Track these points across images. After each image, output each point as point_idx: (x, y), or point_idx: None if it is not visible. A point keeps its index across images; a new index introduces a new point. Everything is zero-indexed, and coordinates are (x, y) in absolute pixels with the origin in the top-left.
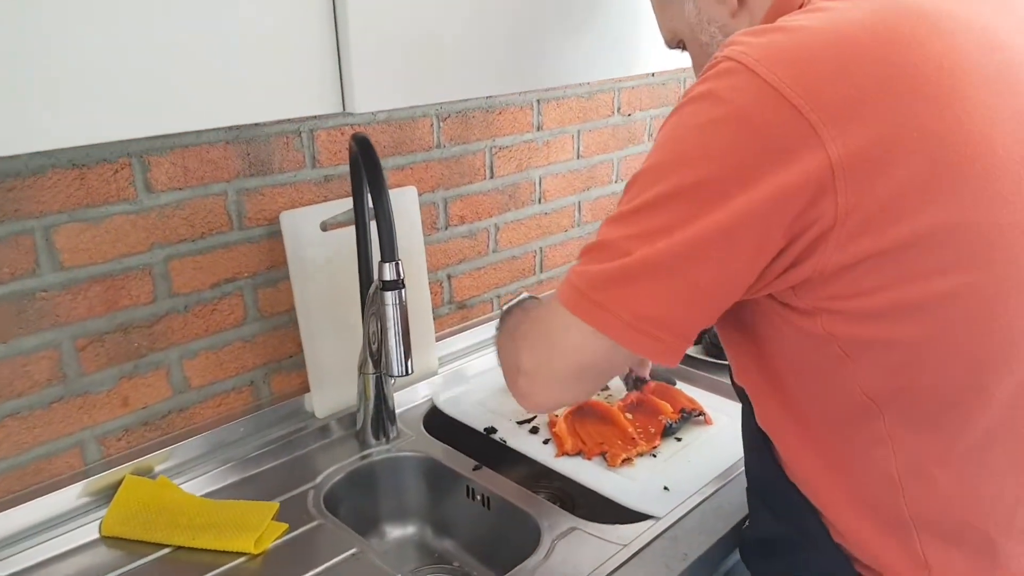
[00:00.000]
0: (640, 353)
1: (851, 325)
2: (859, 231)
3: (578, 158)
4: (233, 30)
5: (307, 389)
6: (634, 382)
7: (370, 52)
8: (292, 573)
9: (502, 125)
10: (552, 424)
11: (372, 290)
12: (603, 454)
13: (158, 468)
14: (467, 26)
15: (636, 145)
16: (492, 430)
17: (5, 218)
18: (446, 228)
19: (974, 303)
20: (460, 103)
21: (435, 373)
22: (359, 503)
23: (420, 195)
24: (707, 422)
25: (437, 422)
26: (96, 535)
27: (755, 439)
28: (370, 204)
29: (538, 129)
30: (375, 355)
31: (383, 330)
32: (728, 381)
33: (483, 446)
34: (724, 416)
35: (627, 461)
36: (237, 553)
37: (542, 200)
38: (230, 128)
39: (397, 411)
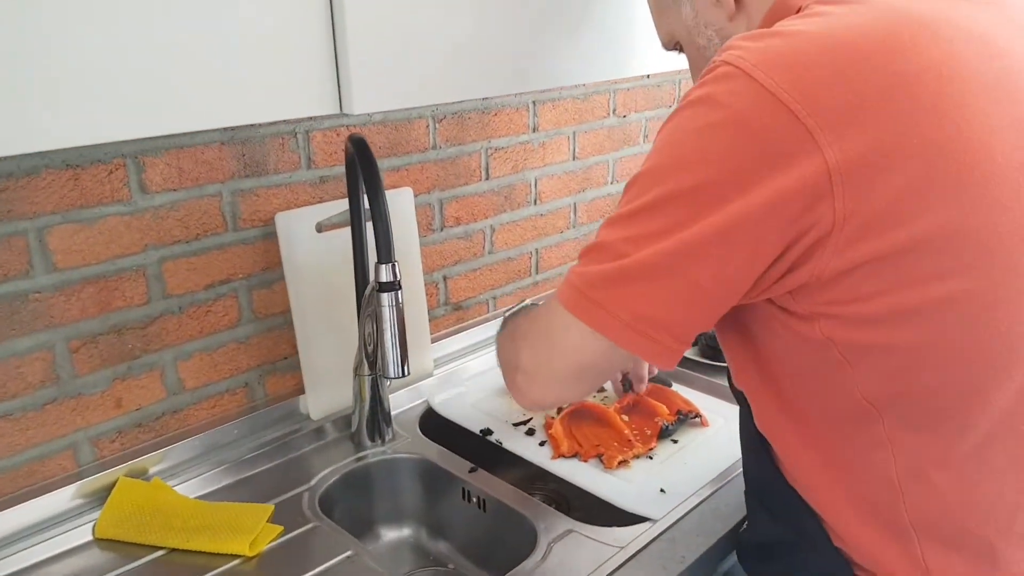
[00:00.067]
0: (637, 354)
1: (849, 330)
2: (857, 236)
3: (574, 159)
4: (231, 31)
5: (302, 391)
6: (629, 384)
7: (368, 53)
8: None
9: (498, 126)
10: (548, 426)
11: (368, 291)
12: (599, 456)
13: (152, 470)
14: (464, 27)
15: (632, 147)
16: (488, 432)
17: None
18: (442, 229)
19: (972, 309)
20: (456, 104)
21: (431, 375)
22: (354, 505)
23: (416, 196)
24: (703, 424)
25: (433, 424)
26: (90, 537)
27: (753, 442)
28: (366, 205)
29: (534, 130)
30: (371, 357)
31: (379, 332)
32: (725, 383)
33: (479, 448)
34: (720, 418)
35: (623, 463)
36: (232, 555)
37: (538, 201)
38: (225, 129)
39: (392, 413)
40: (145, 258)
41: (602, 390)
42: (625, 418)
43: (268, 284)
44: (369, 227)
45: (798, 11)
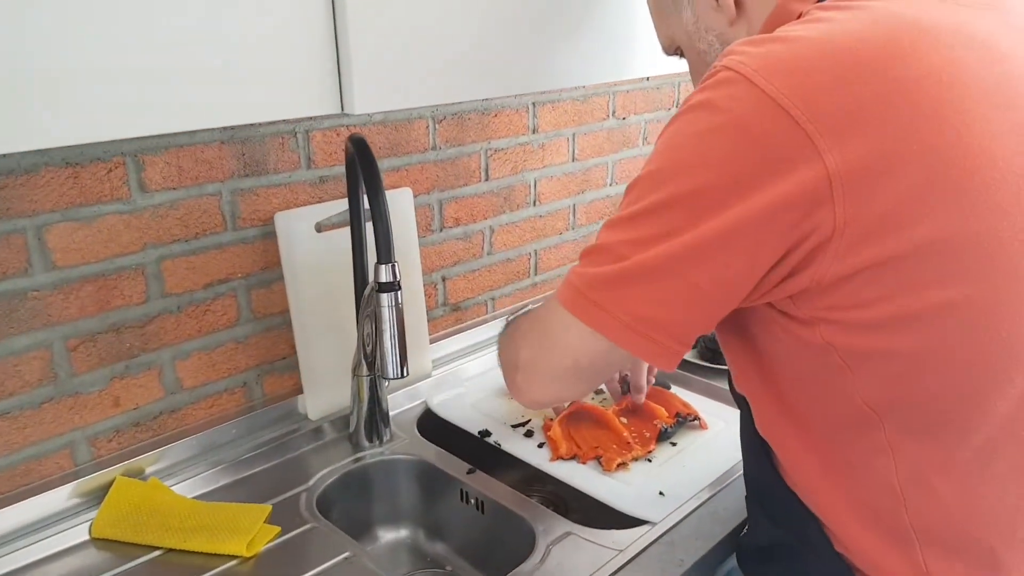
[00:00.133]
0: (637, 355)
1: (850, 335)
2: (857, 242)
3: (573, 161)
4: (232, 29)
5: (300, 391)
6: (627, 387)
7: (369, 53)
8: None
9: (497, 127)
10: (547, 428)
11: (367, 292)
12: (598, 458)
13: (149, 469)
14: (466, 28)
15: (631, 149)
16: (486, 433)
17: None
18: (441, 230)
19: (973, 314)
20: (456, 105)
21: (429, 375)
22: (352, 506)
23: (415, 197)
24: (702, 426)
25: (431, 425)
26: (86, 536)
27: (754, 445)
28: (366, 205)
29: (533, 132)
30: (369, 357)
31: (379, 332)
32: (724, 386)
33: (477, 449)
34: (720, 421)
35: (622, 466)
36: (229, 556)
37: (537, 203)
38: (225, 128)
39: (391, 413)
40: (144, 257)
41: (600, 392)
42: (624, 420)
43: (267, 284)
44: (369, 227)
45: (799, 17)
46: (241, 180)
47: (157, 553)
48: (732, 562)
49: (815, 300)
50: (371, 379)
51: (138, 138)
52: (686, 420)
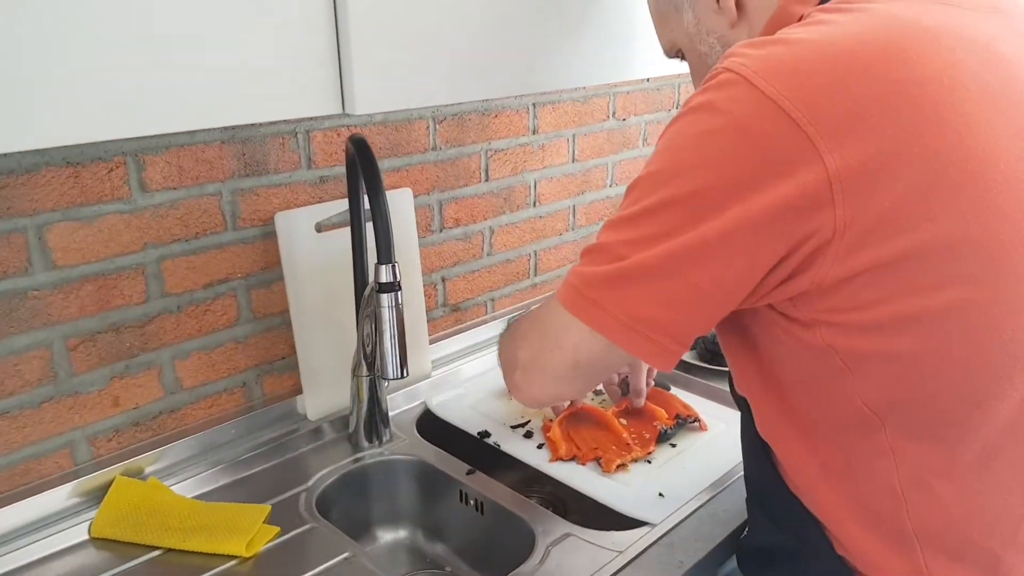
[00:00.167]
0: (635, 354)
1: (850, 337)
2: (858, 244)
3: (573, 162)
4: (233, 30)
5: (299, 391)
6: (626, 388)
7: (371, 53)
8: None
9: (498, 128)
10: (546, 429)
11: (367, 292)
12: (597, 460)
13: (149, 469)
14: (466, 29)
15: (631, 150)
16: (486, 434)
17: None
18: (441, 230)
19: (974, 317)
20: (456, 106)
21: (428, 376)
22: (351, 506)
23: (415, 197)
24: (702, 428)
25: (430, 425)
26: (86, 536)
27: (755, 447)
28: (366, 206)
29: (533, 133)
30: (369, 358)
31: (379, 333)
32: (724, 387)
33: (477, 450)
34: (720, 423)
35: (622, 467)
36: (228, 556)
37: (537, 203)
38: (225, 128)
39: (390, 414)
40: (144, 256)
41: (600, 393)
42: (623, 422)
43: (267, 284)
44: (369, 227)
45: (800, 19)
46: (241, 180)
47: (156, 553)
48: (732, 564)
49: (815, 302)
50: (371, 379)
51: (139, 138)
52: (686, 422)
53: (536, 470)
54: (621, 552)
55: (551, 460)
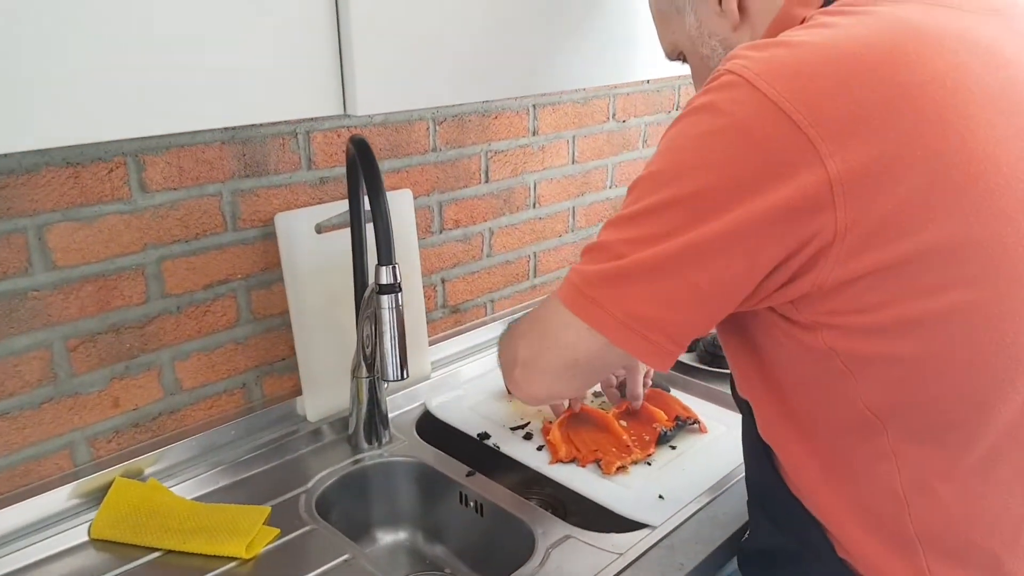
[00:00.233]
0: (632, 353)
1: (852, 340)
2: (860, 247)
3: (573, 163)
4: (235, 31)
5: (299, 392)
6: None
7: (372, 54)
8: None
9: (498, 129)
10: (546, 432)
11: (367, 293)
12: (597, 462)
13: (148, 470)
14: (467, 31)
15: (631, 151)
16: (485, 436)
17: None
18: (440, 232)
19: (977, 320)
20: (456, 107)
21: (428, 377)
22: (351, 508)
23: (415, 198)
24: (702, 430)
25: (430, 427)
26: (85, 538)
27: (756, 450)
28: (366, 207)
29: (534, 134)
30: (369, 359)
31: (379, 334)
32: (724, 390)
33: (476, 452)
34: (720, 425)
35: (622, 469)
36: (228, 558)
37: (537, 205)
38: (226, 129)
39: (390, 415)
40: (144, 257)
41: (600, 395)
42: (623, 423)
43: (267, 285)
44: (369, 228)
45: (802, 22)
46: (241, 181)
47: (156, 554)
48: (733, 566)
49: (817, 305)
50: (370, 381)
51: (139, 138)
52: (685, 424)
53: (536, 472)
54: (622, 554)
55: (551, 462)
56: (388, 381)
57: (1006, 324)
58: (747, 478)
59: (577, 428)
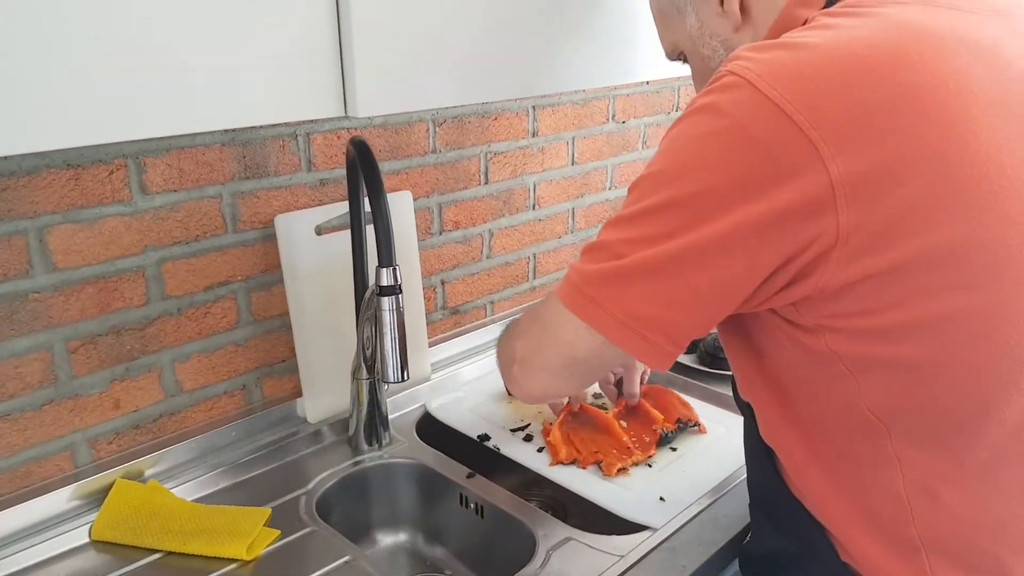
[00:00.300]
0: (630, 352)
1: (855, 343)
2: (862, 250)
3: (572, 165)
4: (236, 33)
5: (299, 394)
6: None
7: (373, 56)
8: None
9: (497, 131)
10: (546, 433)
11: (367, 295)
12: (598, 463)
13: (149, 472)
14: (468, 32)
15: (630, 152)
16: (485, 437)
17: None
18: (440, 233)
19: (981, 323)
20: (456, 108)
21: (428, 379)
22: (351, 510)
23: (415, 200)
24: (701, 431)
25: (430, 429)
26: (86, 539)
27: (758, 452)
28: (366, 208)
29: (533, 135)
30: (369, 361)
31: (379, 336)
32: (724, 391)
33: (477, 453)
34: (720, 427)
35: (622, 471)
36: (229, 559)
37: (536, 206)
38: (226, 130)
39: (390, 417)
40: (145, 259)
41: (600, 396)
42: (623, 424)
43: (267, 286)
44: (369, 230)
45: (804, 23)
46: (241, 183)
47: (157, 556)
48: (734, 568)
49: (819, 307)
50: (370, 382)
51: (139, 140)
52: (687, 426)
53: (536, 473)
54: (623, 556)
55: (551, 464)
56: (389, 383)
57: (1009, 327)
58: (749, 480)
59: (577, 429)
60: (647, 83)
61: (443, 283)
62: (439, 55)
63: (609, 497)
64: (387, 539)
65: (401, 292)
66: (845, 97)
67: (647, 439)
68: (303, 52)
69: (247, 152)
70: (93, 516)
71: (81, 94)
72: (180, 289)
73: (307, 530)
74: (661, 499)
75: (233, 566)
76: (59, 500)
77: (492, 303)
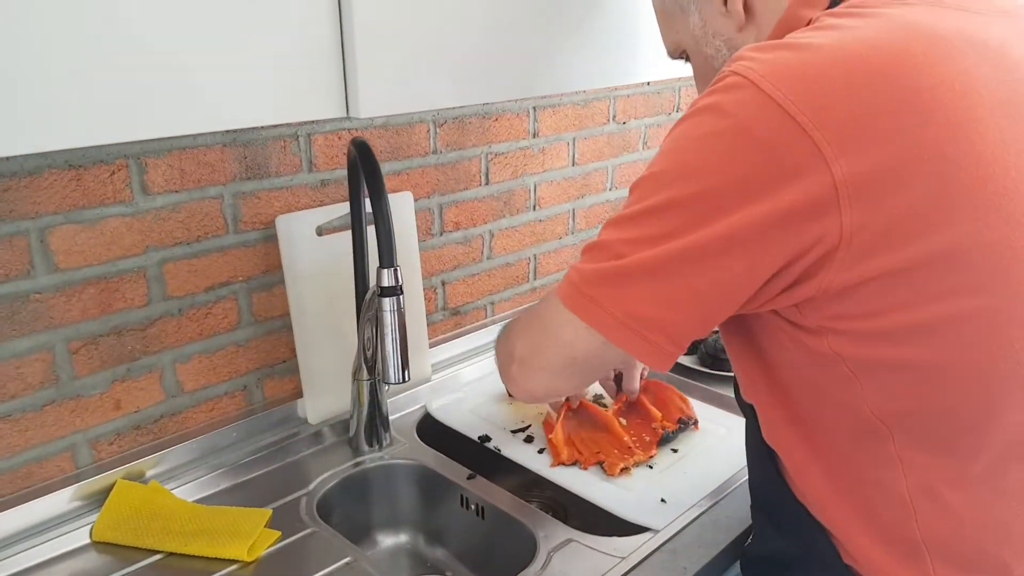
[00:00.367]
0: (630, 352)
1: (858, 345)
2: (866, 252)
3: (573, 165)
4: (238, 34)
5: (300, 395)
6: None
7: (375, 57)
8: None
9: (498, 132)
10: (549, 429)
11: (368, 296)
12: (600, 464)
13: (149, 473)
14: (469, 33)
15: (631, 153)
16: (486, 438)
17: (0, 219)
18: (441, 234)
19: (986, 326)
20: (457, 109)
21: (428, 380)
22: (352, 511)
23: (415, 200)
24: (694, 428)
25: (430, 430)
26: (87, 540)
27: (760, 454)
28: (367, 209)
29: (534, 136)
30: (370, 361)
31: (380, 337)
32: (725, 393)
33: (477, 454)
34: (720, 428)
35: (625, 470)
36: (229, 560)
37: (537, 207)
38: (227, 131)
39: (390, 418)
40: (146, 259)
41: (601, 396)
42: (623, 422)
43: (268, 287)
44: (370, 231)
45: (808, 23)
46: (243, 183)
47: (158, 557)
48: (735, 570)
49: (822, 309)
50: (371, 383)
51: (141, 141)
52: (688, 424)
53: (536, 475)
54: (624, 558)
55: (553, 465)
56: (389, 383)
57: (1015, 329)
58: (750, 482)
59: (578, 428)
60: (648, 84)
61: (444, 284)
62: (440, 56)
63: (610, 498)
64: (388, 540)
65: (402, 293)
66: (849, 98)
67: (647, 438)
68: (304, 53)
69: (248, 153)
70: (94, 517)
71: (82, 95)
72: (181, 290)
73: (308, 531)
74: (662, 500)
75: (234, 567)
76: (60, 501)
77: (493, 304)
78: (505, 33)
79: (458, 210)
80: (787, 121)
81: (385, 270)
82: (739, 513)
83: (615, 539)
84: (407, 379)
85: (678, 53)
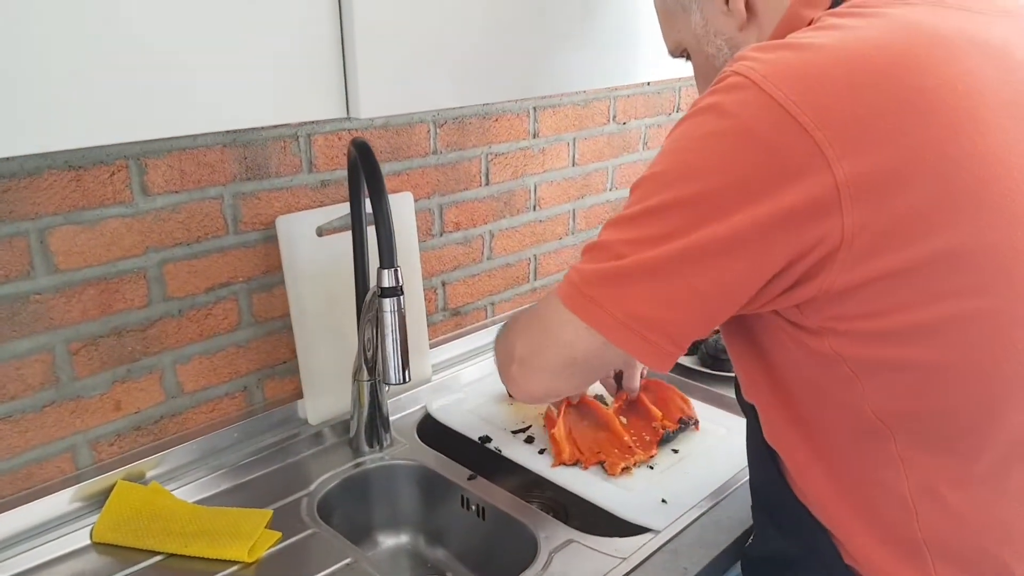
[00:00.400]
0: (630, 353)
1: (860, 346)
2: (868, 252)
3: (573, 166)
4: (238, 34)
5: (300, 395)
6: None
7: (375, 57)
8: None
9: (498, 132)
10: (551, 425)
11: (368, 296)
12: (601, 463)
13: (150, 474)
14: (470, 33)
15: (631, 153)
16: (487, 439)
17: (0, 219)
18: (441, 234)
19: (988, 327)
20: (457, 109)
21: (428, 380)
22: (353, 511)
23: (416, 201)
24: (695, 428)
25: (431, 430)
26: (87, 541)
27: (761, 454)
28: (368, 209)
29: (534, 136)
30: (370, 362)
31: (381, 337)
32: (725, 393)
33: (477, 455)
34: (721, 428)
35: (626, 470)
36: (230, 561)
37: (537, 207)
38: (227, 132)
39: (391, 418)
40: (146, 260)
41: (600, 396)
42: (623, 420)
43: (268, 288)
44: (370, 231)
45: (810, 23)
46: (243, 184)
47: (158, 558)
48: (737, 571)
49: (824, 309)
50: (371, 384)
51: (141, 141)
52: (688, 424)
53: (537, 475)
54: (625, 559)
55: (554, 465)
56: (390, 384)
57: (1017, 330)
58: (751, 482)
59: (579, 425)
60: (648, 84)
61: (444, 284)
62: (440, 56)
63: (611, 499)
64: (388, 541)
65: (402, 293)
66: (851, 98)
67: (647, 438)
68: (305, 53)
69: (248, 153)
70: (94, 518)
71: (82, 95)
72: (181, 290)
73: (308, 532)
74: (663, 501)
75: (235, 568)
76: (60, 502)
77: (493, 304)
78: (505, 33)
79: (458, 210)
80: (789, 121)
81: (385, 270)
82: (740, 513)
83: (616, 540)
84: (407, 380)
85: (679, 52)
